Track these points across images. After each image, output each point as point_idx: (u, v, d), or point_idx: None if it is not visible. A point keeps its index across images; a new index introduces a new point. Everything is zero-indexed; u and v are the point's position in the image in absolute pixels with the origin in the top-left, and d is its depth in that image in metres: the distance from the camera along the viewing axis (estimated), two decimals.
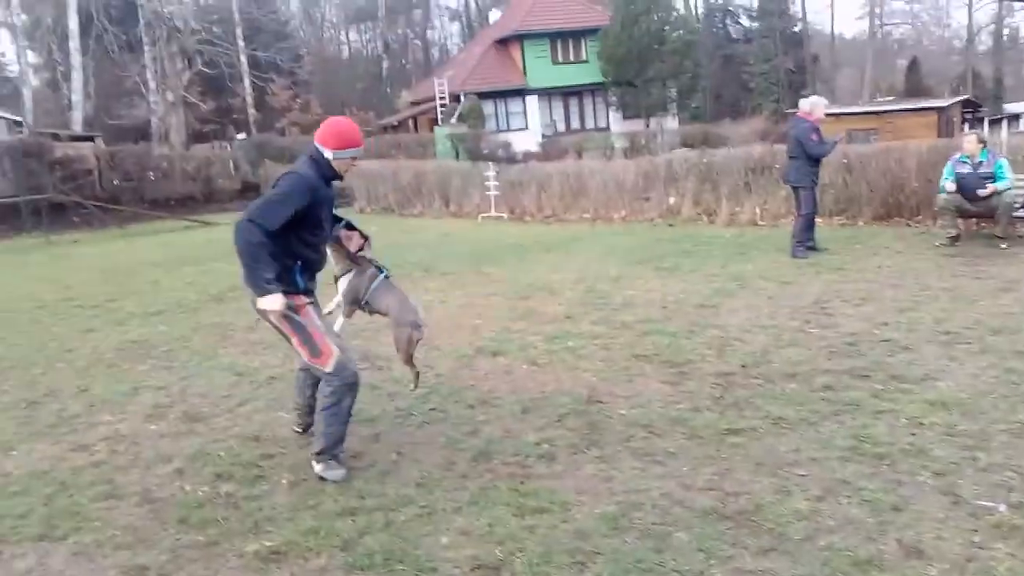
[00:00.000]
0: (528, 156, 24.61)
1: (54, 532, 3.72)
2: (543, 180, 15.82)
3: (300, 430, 4.69)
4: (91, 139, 25.60)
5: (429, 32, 59.17)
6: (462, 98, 30.42)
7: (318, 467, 4.10)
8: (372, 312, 4.76)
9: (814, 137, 9.11)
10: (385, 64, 52.87)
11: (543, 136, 31.79)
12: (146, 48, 31.42)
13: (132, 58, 32.80)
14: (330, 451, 4.10)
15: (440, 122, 29.67)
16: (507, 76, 33.11)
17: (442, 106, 30.57)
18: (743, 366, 5.37)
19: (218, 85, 35.92)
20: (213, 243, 14.21)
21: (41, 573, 3.37)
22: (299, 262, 4.05)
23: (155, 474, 4.34)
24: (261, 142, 28.35)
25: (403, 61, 56.32)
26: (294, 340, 4.11)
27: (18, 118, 26.19)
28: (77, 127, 29.40)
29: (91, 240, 18.07)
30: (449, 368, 5.84)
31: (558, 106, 34.23)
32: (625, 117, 33.63)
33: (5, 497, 4.13)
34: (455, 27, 59.79)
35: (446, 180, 17.84)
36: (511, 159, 23.90)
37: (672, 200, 13.69)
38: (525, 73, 33.20)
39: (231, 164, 26.07)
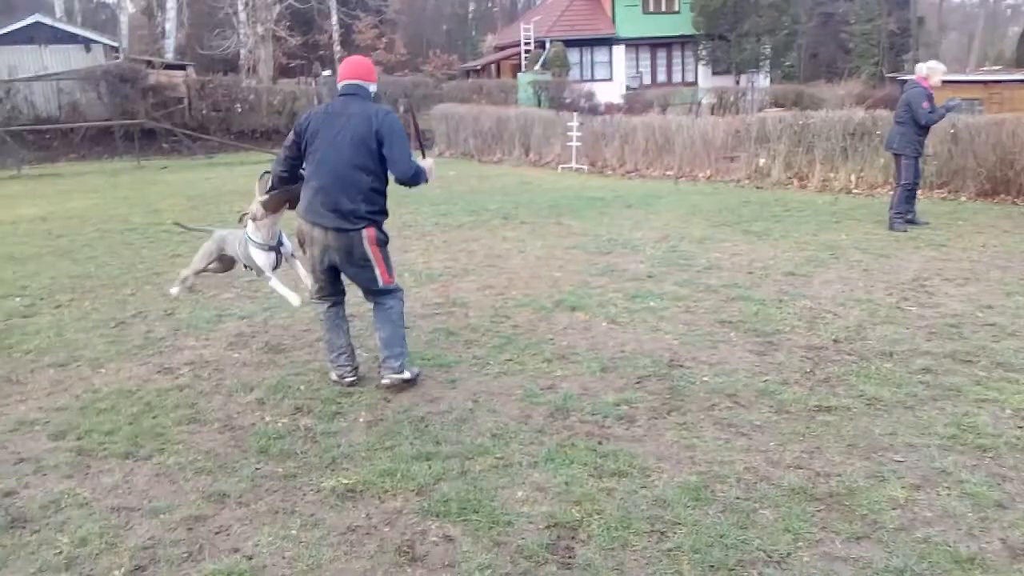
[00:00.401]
0: (611, 107, 24.06)
1: (138, 451, 3.81)
2: (627, 133, 15.43)
3: (354, 376, 4.58)
4: (183, 68, 26.07)
5: None
6: (547, 45, 29.82)
7: (407, 373, 4.46)
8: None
9: (925, 104, 8.57)
10: (472, 7, 52.24)
11: (627, 88, 31.02)
12: None
13: None
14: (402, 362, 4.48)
15: (524, 68, 29.22)
16: (595, 24, 32.29)
17: (526, 52, 30.04)
18: (835, 341, 5.13)
19: (306, 20, 36.05)
20: None
21: (125, 490, 3.45)
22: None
23: (237, 402, 4.41)
24: None
25: (490, 4, 55.53)
26: (379, 268, 4.32)
27: (115, 43, 26.82)
28: (170, 55, 29.98)
29: (179, 167, 18.53)
30: (526, 320, 5.76)
31: (645, 57, 33.29)
32: (714, 72, 32.48)
33: (94, 413, 4.25)
34: None
35: (528, 128, 17.60)
36: (593, 109, 23.41)
37: (762, 161, 13.19)
38: (614, 22, 32.31)
39: (315, 99, 26.25)
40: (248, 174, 15.65)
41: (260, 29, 29.31)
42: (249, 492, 3.41)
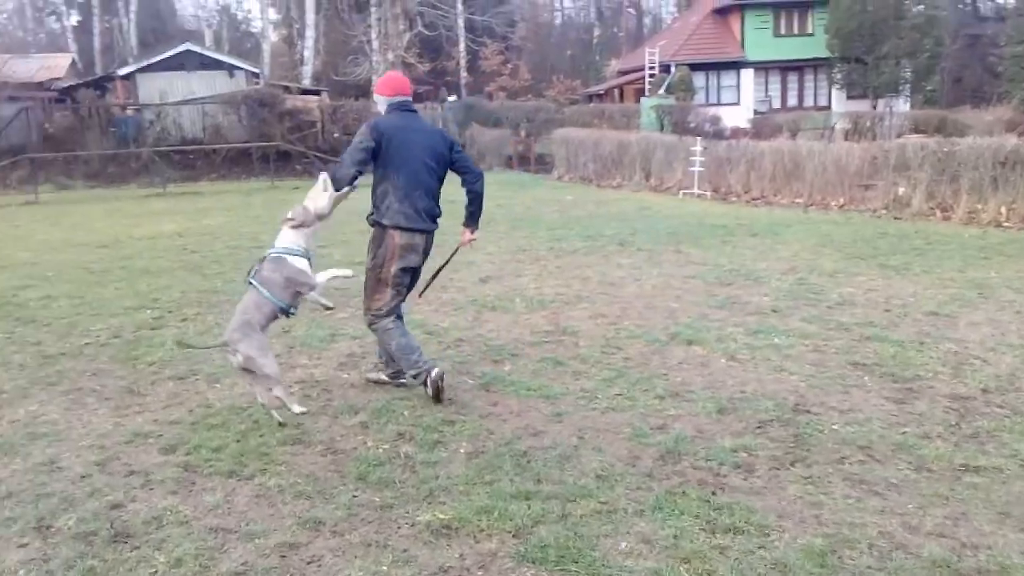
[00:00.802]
0: (737, 132, 23.38)
1: (242, 470, 3.81)
2: (754, 158, 14.89)
3: (397, 378, 4.86)
4: (318, 93, 27.27)
5: (643, 0, 57.77)
6: (672, 68, 29.41)
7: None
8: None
9: None
10: (596, 32, 52.30)
11: (755, 112, 30.09)
12: (372, 9, 32.88)
13: (359, 18, 34.49)
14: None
15: (647, 93, 28.90)
16: (723, 47, 31.58)
17: (651, 76, 29.71)
18: (984, 391, 4.62)
19: (435, 47, 37.05)
20: None
21: (225, 510, 3.44)
22: None
23: (341, 424, 4.38)
24: (470, 105, 28.96)
25: (615, 29, 55.42)
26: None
27: (256, 70, 28.38)
28: (307, 81, 31.47)
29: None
30: (639, 353, 5.50)
31: (775, 81, 32.25)
32: (849, 97, 31.06)
33: (205, 428, 4.32)
34: None
35: (649, 152, 17.30)
36: (718, 134, 22.81)
37: (901, 190, 12.38)
38: (743, 45, 31.51)
39: (440, 124, 26.86)
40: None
41: (391, 56, 30.31)
42: (344, 521, 3.33)
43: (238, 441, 4.15)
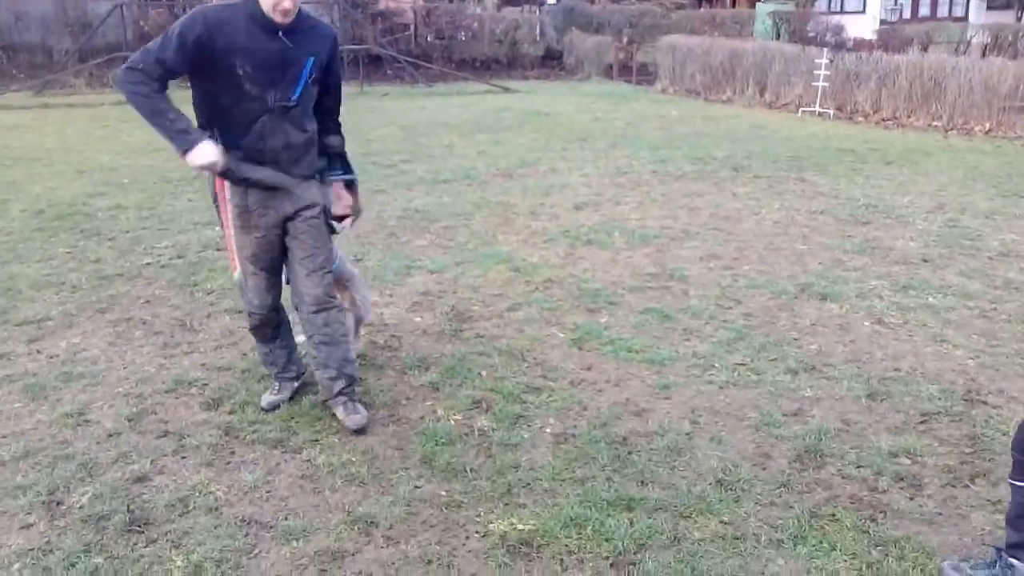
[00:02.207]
0: (860, 43, 21.19)
1: (289, 440, 3.23)
2: (887, 73, 13.24)
3: None
4: None
5: None
6: None
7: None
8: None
9: None
10: None
11: (882, 22, 27.39)
12: None
13: None
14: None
15: None
16: None
17: None
18: None
19: None
20: (508, 111, 13.69)
21: (264, 494, 2.87)
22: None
23: (408, 384, 3.74)
24: (571, 8, 27.27)
25: None
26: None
27: None
28: None
29: (399, 94, 18.51)
30: (762, 307, 4.64)
31: None
32: (990, 7, 27.92)
33: (254, 380, 3.74)
34: None
35: (765, 64, 15.70)
36: (840, 45, 20.72)
37: None
38: None
39: (537, 28, 25.47)
40: (462, 105, 15.24)
41: None
42: (402, 523, 2.70)
43: (291, 398, 3.57)
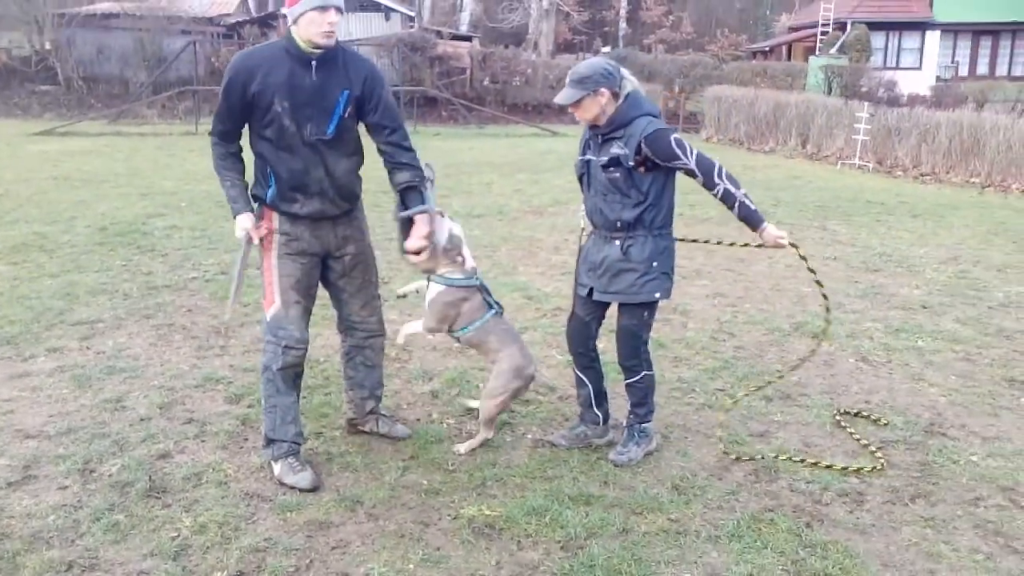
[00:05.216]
0: (915, 100, 21.26)
1: None
2: (927, 129, 13.37)
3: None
4: (469, 39, 27.10)
5: None
6: (848, 26, 27.09)
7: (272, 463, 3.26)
8: (462, 343, 3.68)
9: None
10: None
11: (938, 79, 27.34)
12: None
13: None
14: (267, 438, 3.24)
15: (818, 52, 26.81)
16: (907, 5, 28.74)
17: (823, 34, 27.52)
18: None
19: None
20: (552, 153, 14.17)
21: (267, 474, 3.24)
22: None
23: (411, 391, 4.12)
24: (623, 56, 27.94)
25: None
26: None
27: (411, 12, 28.51)
28: (463, 27, 31.42)
29: (450, 135, 19.20)
30: (754, 342, 4.91)
31: (964, 45, 29.11)
32: None
33: None
34: None
35: (808, 116, 15.95)
36: (893, 101, 20.83)
37: None
38: (931, 4, 28.58)
39: None
40: (509, 146, 15.78)
41: (545, 3, 29.68)
42: (384, 503, 3.05)
43: (304, 397, 3.96)
